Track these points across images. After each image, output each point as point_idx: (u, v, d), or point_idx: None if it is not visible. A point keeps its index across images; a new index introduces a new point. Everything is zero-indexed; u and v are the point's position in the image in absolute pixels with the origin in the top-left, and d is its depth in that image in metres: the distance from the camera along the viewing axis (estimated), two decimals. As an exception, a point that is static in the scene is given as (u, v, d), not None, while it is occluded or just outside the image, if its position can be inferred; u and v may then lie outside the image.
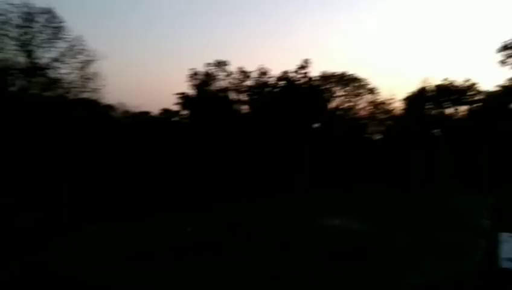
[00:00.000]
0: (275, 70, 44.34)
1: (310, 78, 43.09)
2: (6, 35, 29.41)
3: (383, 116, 45.78)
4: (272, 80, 42.54)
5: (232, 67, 42.06)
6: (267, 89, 42.66)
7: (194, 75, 41.54)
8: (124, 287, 10.17)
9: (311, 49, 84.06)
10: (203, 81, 41.68)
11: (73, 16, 70.73)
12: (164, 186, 27.29)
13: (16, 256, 12.51)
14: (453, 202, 26.13)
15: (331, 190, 31.99)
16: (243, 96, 42.93)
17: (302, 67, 42.41)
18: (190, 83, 41.49)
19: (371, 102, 45.58)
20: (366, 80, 44.98)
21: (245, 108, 43.28)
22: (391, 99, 45.11)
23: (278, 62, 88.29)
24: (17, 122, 27.81)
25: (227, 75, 41.98)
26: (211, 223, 18.60)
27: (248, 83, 42.50)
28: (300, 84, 42.69)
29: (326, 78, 44.34)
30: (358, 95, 45.36)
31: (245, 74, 42.38)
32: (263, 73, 42.25)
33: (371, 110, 45.81)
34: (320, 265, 12.74)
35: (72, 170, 27.03)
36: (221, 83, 42.13)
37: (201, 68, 41.77)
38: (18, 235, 14.82)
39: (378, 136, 46.85)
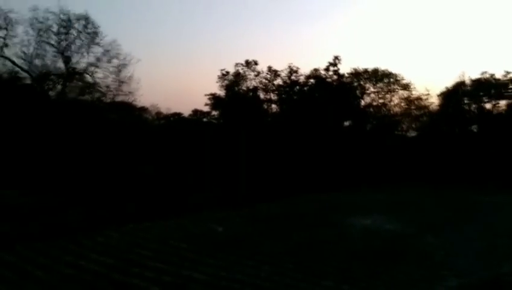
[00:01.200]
0: (305, 69, 43.91)
1: (341, 75, 42.40)
2: (46, 42, 30.89)
3: (417, 112, 44.26)
4: (301, 79, 42.21)
5: (262, 67, 42.15)
6: (296, 88, 42.34)
7: (224, 75, 41.90)
8: (154, 284, 10.41)
9: (342, 46, 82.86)
10: (233, 82, 41.94)
11: (107, 21, 73.45)
12: (195, 186, 27.74)
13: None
14: (490, 201, 24.96)
15: (362, 188, 31.35)
16: (273, 96, 42.85)
17: (332, 64, 41.82)
18: (220, 84, 41.91)
19: (405, 98, 44.23)
20: (399, 75, 43.73)
21: (274, 107, 43.19)
22: (426, 94, 43.56)
23: (308, 60, 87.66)
24: (56, 125, 29.21)
25: (257, 75, 42.06)
26: (241, 222, 18.70)
27: (277, 82, 42.41)
28: (330, 82, 42.11)
29: (357, 74, 43.46)
30: (391, 91, 44.10)
31: (274, 73, 42.27)
32: (293, 71, 42.01)
33: (404, 107, 44.44)
34: (351, 265, 12.52)
35: (105, 170, 28.04)
36: (251, 82, 42.26)
37: (231, 68, 42.10)
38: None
39: (412, 133, 45.37)
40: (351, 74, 43.25)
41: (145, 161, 31.64)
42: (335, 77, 42.22)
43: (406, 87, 43.76)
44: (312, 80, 42.06)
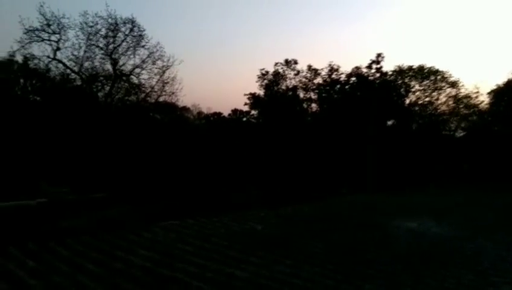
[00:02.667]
0: (346, 67, 43.10)
1: (384, 73, 41.22)
2: (95, 45, 32.44)
3: (466, 111, 42.12)
4: (342, 77, 41.46)
5: (301, 66, 41.84)
6: (337, 86, 41.64)
7: (264, 75, 42.00)
8: (197, 279, 10.69)
9: (385, 44, 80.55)
10: (272, 81, 41.95)
11: (152, 24, 75.91)
12: (235, 185, 28.09)
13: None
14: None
15: (407, 189, 30.36)
16: (312, 95, 42.42)
17: (375, 62, 40.74)
18: (259, 83, 42.07)
19: (453, 96, 42.23)
20: (447, 72, 41.81)
21: (314, 106, 42.74)
22: (476, 93, 41.35)
23: (349, 59, 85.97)
24: (104, 125, 30.64)
25: (296, 74, 41.80)
26: (281, 222, 18.73)
27: (317, 80, 41.92)
28: (373, 80, 41.06)
29: (401, 72, 42.04)
30: (438, 89, 42.25)
31: (314, 72, 41.81)
32: (333, 70, 41.35)
33: (452, 105, 42.45)
34: (396, 269, 12.19)
35: (150, 168, 29.04)
36: (290, 81, 42.08)
37: (270, 68, 42.14)
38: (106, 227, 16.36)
39: (460, 133, 43.26)
40: (395, 71, 41.91)
41: (187, 159, 32.42)
42: (378, 74, 41.12)
43: (453, 84, 41.81)
44: (353, 78, 41.18)
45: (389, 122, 42.01)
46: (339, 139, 35.49)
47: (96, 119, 30.72)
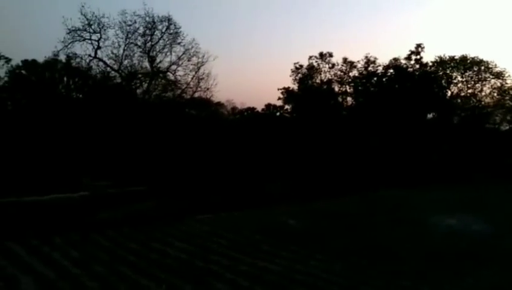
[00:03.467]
0: (383, 59, 41.86)
1: (424, 64, 39.70)
2: (133, 43, 33.50)
3: (512, 103, 39.86)
4: (379, 69, 40.33)
5: (336, 59, 41.12)
6: (374, 79, 40.59)
7: (297, 69, 41.63)
8: (230, 272, 10.89)
9: (425, 33, 77.48)
10: (306, 75, 41.51)
11: (187, 20, 77.21)
12: (267, 180, 28.15)
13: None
14: None
15: (447, 184, 29.17)
16: (348, 88, 41.61)
17: (414, 53, 39.30)
18: (293, 77, 41.75)
19: (498, 88, 40.00)
20: (491, 63, 39.62)
21: (350, 100, 41.92)
22: (523, 84, 38.95)
23: (386, 49, 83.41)
24: (142, 121, 31.63)
25: (331, 67, 41.13)
26: (313, 217, 18.62)
27: (353, 73, 41.05)
28: (412, 72, 39.66)
29: (442, 63, 40.32)
30: (482, 80, 40.16)
31: (350, 65, 40.97)
32: (370, 62, 40.31)
33: (497, 97, 40.23)
34: (431, 266, 11.84)
35: (185, 162, 29.70)
36: (325, 75, 41.48)
37: (304, 62, 41.71)
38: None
39: (505, 126, 40.95)
40: (435, 62, 40.26)
41: (221, 154, 32.87)
42: (417, 66, 39.68)
43: (498, 75, 39.58)
44: (391, 70, 39.97)
45: (429, 116, 40.53)
46: (375, 133, 34.64)
47: (135, 115, 31.79)
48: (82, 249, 12.72)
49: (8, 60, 33.03)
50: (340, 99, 41.54)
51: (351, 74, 41.02)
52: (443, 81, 40.25)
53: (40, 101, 32.35)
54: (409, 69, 39.71)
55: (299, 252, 12.94)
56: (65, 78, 35.46)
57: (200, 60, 34.58)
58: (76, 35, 31.63)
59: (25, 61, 34.22)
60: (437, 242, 14.50)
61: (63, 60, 33.70)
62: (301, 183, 27.50)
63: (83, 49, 35.49)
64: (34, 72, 34.76)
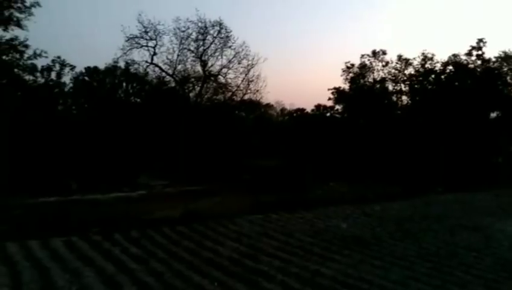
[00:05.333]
0: (441, 55, 39.71)
1: (486, 60, 37.10)
2: (186, 48, 34.63)
3: None
4: (437, 66, 38.30)
5: (390, 56, 39.63)
6: (431, 77, 38.59)
7: (349, 68, 40.66)
8: (282, 273, 10.82)
9: (487, 26, 72.49)
10: (358, 74, 40.43)
11: (236, 22, 78.38)
12: (320, 181, 27.75)
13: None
14: None
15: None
16: (403, 86, 39.95)
17: (476, 48, 36.87)
18: (344, 77, 40.84)
19: None
20: None
21: (405, 99, 40.23)
22: None
23: (444, 45, 79.05)
24: (195, 123, 32.63)
25: (385, 65, 39.72)
26: (368, 220, 18.01)
27: (409, 71, 39.34)
28: (473, 68, 37.23)
29: (508, 58, 37.42)
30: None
31: (405, 62, 39.31)
32: (427, 59, 38.40)
33: None
34: (500, 276, 10.96)
35: (235, 163, 30.09)
36: (378, 73, 40.12)
37: (356, 60, 40.65)
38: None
39: None
40: (499, 57, 37.50)
41: (271, 155, 33.01)
42: (479, 62, 37.21)
43: None
44: (450, 67, 37.82)
45: (493, 114, 37.79)
46: (433, 134, 32.87)
47: (188, 118, 32.84)
48: (140, 246, 13.27)
49: (72, 68, 35.62)
50: (394, 98, 40.03)
51: (406, 71, 39.42)
52: (508, 78, 37.40)
53: (100, 105, 34.45)
54: (469, 66, 37.36)
55: (352, 257, 12.54)
56: (124, 84, 37.51)
57: (250, 62, 35.00)
58: (134, 42, 33.34)
59: (87, 68, 36.67)
60: (504, 250, 13.41)
61: (122, 67, 35.68)
62: (354, 185, 26.78)
63: (140, 55, 37.30)
64: (96, 78, 37.14)
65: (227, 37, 34.64)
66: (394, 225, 16.91)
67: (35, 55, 29.38)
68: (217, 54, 34.97)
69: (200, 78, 35.57)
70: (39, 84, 33.45)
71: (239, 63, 35.08)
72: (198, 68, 35.34)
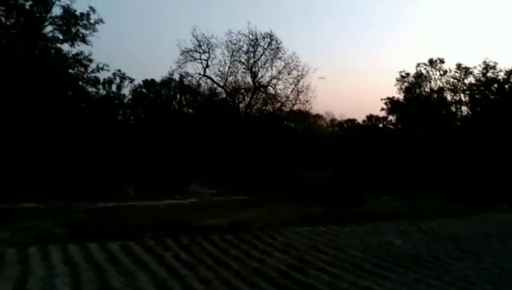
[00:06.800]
0: (505, 63, 37.20)
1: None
2: (237, 60, 35.47)
3: None
4: (501, 75, 35.91)
5: (448, 65, 37.75)
6: (494, 86, 36.21)
7: (403, 77, 39.27)
8: (330, 288, 10.53)
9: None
10: (414, 83, 38.90)
11: (286, 32, 78.90)
12: (372, 194, 26.90)
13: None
14: None
15: None
16: (463, 96, 37.84)
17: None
18: (398, 86, 39.43)
19: None
20: None
21: (465, 109, 38.05)
22: None
23: (508, 53, 73.84)
24: (245, 134, 33.18)
25: (443, 74, 37.90)
26: (424, 237, 17.09)
27: (469, 80, 37.21)
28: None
29: None
30: None
31: (465, 71, 37.26)
32: (489, 67, 36.12)
33: None
34: None
35: (284, 174, 30.04)
36: (435, 83, 38.35)
37: (410, 69, 39.18)
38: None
39: None
40: None
41: (318, 166, 32.59)
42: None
43: None
44: (515, 75, 35.33)
45: None
46: (496, 147, 30.69)
47: (238, 128, 33.46)
48: (190, 252, 13.58)
49: (131, 80, 37.76)
50: (453, 108, 38.03)
51: (466, 81, 37.40)
52: None
53: (156, 116, 36.12)
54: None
55: (406, 275, 11.91)
56: (178, 95, 39.13)
57: (299, 73, 35.16)
58: (188, 55, 34.89)
59: (145, 81, 38.69)
60: None
61: (177, 79, 37.30)
62: (408, 200, 25.62)
63: (193, 68, 38.78)
64: (153, 90, 39.05)
65: (277, 48, 35.10)
66: (452, 243, 15.89)
67: (98, 68, 31.59)
68: (267, 65, 35.54)
69: (250, 89, 36.21)
70: (101, 96, 35.78)
71: (289, 74, 35.38)
72: (249, 79, 36.09)
